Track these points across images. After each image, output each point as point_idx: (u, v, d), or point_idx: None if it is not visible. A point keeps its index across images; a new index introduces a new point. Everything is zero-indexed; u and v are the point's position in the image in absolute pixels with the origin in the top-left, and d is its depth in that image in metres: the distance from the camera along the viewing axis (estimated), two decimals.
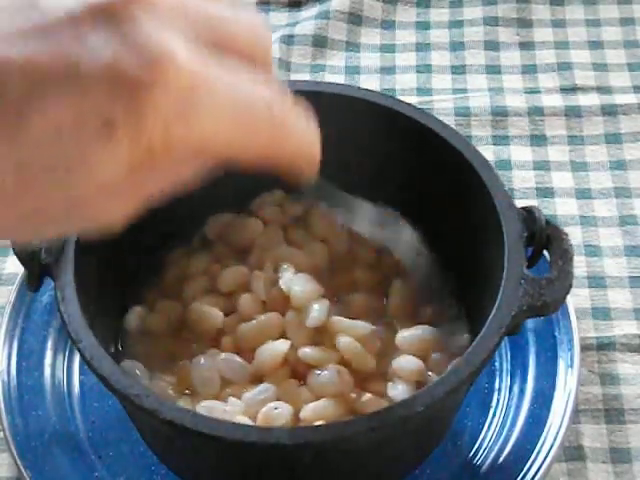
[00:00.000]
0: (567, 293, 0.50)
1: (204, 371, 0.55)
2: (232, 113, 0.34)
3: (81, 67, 0.31)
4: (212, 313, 0.57)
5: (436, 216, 0.60)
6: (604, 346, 0.63)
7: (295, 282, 0.56)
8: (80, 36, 0.31)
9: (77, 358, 0.61)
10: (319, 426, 0.49)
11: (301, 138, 0.38)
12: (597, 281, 0.67)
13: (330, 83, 0.66)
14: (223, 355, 0.55)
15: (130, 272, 0.59)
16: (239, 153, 0.35)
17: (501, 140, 0.75)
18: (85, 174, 0.32)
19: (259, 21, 0.36)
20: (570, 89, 0.79)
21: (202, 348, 0.56)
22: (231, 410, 0.53)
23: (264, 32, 0.37)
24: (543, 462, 0.55)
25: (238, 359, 0.55)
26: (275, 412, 0.52)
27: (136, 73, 0.31)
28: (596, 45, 0.82)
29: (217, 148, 0.34)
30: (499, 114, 0.77)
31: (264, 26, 0.37)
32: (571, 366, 0.59)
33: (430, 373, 0.55)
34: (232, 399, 0.54)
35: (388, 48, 0.83)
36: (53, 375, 0.60)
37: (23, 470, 0.56)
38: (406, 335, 0.56)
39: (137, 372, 0.56)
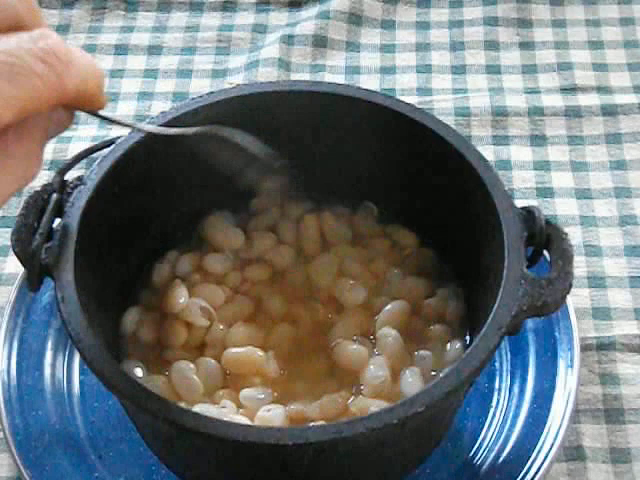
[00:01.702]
0: (567, 293, 0.50)
1: (184, 376, 0.55)
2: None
3: None
4: (195, 323, 0.57)
5: (436, 216, 0.60)
6: (604, 346, 0.63)
7: None
8: None
9: (77, 358, 0.61)
10: (319, 426, 0.49)
11: (82, 68, 0.39)
12: (597, 281, 0.67)
13: (330, 83, 0.66)
14: (203, 360, 0.56)
15: (130, 272, 0.60)
16: (26, 108, 0.37)
17: (501, 140, 0.75)
18: None
19: None
20: (570, 89, 0.79)
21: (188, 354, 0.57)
22: (227, 411, 0.53)
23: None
24: (543, 462, 0.55)
25: (216, 364, 0.56)
26: (268, 414, 0.52)
27: None
28: (596, 45, 0.82)
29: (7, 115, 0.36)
30: (499, 114, 0.77)
31: None
32: (571, 366, 0.59)
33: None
34: (226, 401, 0.54)
35: (388, 48, 0.83)
36: (53, 375, 0.60)
37: (23, 470, 0.56)
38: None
39: (137, 372, 0.56)
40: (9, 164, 0.38)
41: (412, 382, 0.55)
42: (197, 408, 0.52)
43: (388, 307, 0.58)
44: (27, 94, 0.37)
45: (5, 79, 0.36)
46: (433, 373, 0.56)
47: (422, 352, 0.56)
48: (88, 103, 0.41)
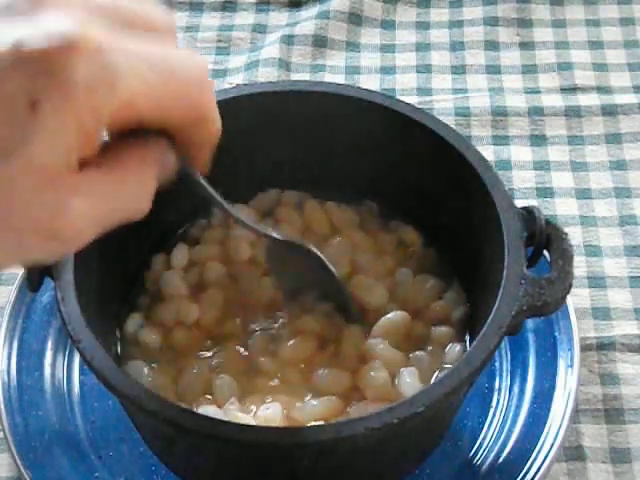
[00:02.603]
0: (567, 293, 0.50)
1: (192, 379, 0.55)
2: (150, 68, 0.36)
3: None
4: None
5: (436, 216, 0.60)
6: (604, 346, 0.63)
7: None
8: None
9: (77, 358, 0.61)
10: (319, 426, 0.49)
11: (213, 98, 0.40)
12: (597, 281, 0.67)
13: (330, 83, 0.66)
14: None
15: (130, 272, 0.60)
16: (166, 111, 0.37)
17: (501, 140, 0.75)
18: (25, 157, 0.33)
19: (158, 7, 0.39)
20: (570, 89, 0.79)
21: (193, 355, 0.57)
22: (230, 410, 0.53)
23: (164, 11, 0.39)
24: (543, 462, 0.55)
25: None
26: (267, 412, 0.52)
27: (46, 49, 0.33)
28: (596, 45, 0.82)
29: (145, 108, 0.36)
30: (499, 114, 0.77)
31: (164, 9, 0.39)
32: (571, 366, 0.59)
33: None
34: (232, 399, 0.54)
35: (388, 48, 0.83)
36: (53, 375, 0.60)
37: (23, 470, 0.56)
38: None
39: (139, 373, 0.56)
40: (126, 180, 0.37)
41: (410, 383, 0.54)
42: (199, 409, 0.52)
43: (387, 317, 0.57)
44: (171, 94, 0.37)
45: (160, 74, 0.36)
46: (436, 374, 0.56)
47: (419, 353, 0.56)
48: (202, 144, 0.41)
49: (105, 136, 0.37)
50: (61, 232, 0.35)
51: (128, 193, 0.37)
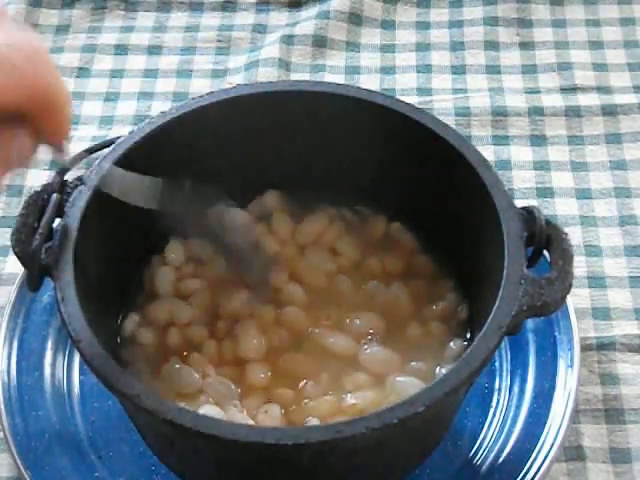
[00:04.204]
0: (567, 293, 0.50)
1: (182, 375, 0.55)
2: None
3: None
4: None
5: (436, 216, 0.60)
6: (604, 346, 0.63)
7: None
8: None
9: (77, 358, 0.61)
10: (319, 426, 0.49)
11: (53, 79, 0.39)
12: (597, 281, 0.67)
13: (330, 83, 0.66)
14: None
15: (130, 272, 0.60)
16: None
17: (501, 140, 0.75)
18: None
19: None
20: (570, 89, 0.79)
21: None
22: (230, 410, 0.53)
23: None
24: (543, 462, 0.55)
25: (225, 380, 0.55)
26: (266, 415, 0.52)
27: None
28: (596, 45, 0.82)
29: None
30: (499, 114, 0.77)
31: None
32: (571, 366, 0.59)
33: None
34: (235, 401, 0.54)
35: (388, 48, 0.83)
36: (53, 375, 0.60)
37: (23, 470, 0.56)
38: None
39: (139, 373, 0.56)
40: None
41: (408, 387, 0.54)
42: (199, 409, 0.52)
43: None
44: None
45: None
46: (437, 374, 0.56)
47: (415, 364, 0.56)
48: (52, 118, 0.39)
49: None
50: None
51: None
